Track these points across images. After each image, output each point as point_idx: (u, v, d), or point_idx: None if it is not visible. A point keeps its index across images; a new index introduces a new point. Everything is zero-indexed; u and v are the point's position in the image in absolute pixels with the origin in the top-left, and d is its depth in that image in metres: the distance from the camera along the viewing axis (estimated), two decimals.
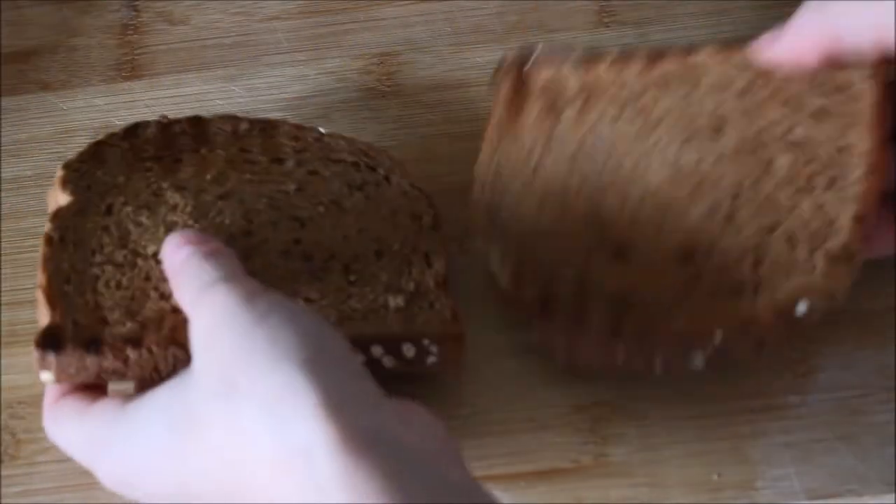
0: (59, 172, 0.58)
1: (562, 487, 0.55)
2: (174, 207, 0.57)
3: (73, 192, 0.57)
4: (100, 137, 0.61)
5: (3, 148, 0.66)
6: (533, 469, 0.55)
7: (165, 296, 0.53)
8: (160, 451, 0.49)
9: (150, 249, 0.55)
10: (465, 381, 0.57)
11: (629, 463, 0.55)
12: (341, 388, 0.46)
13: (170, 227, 0.56)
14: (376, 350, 0.54)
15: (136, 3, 0.71)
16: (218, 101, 0.67)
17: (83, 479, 0.54)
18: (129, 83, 0.68)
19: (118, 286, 0.54)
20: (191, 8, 0.71)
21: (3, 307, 0.61)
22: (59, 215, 0.57)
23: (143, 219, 0.57)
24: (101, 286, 0.54)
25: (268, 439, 0.45)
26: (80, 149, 0.63)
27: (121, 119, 0.66)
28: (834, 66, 0.56)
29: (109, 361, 0.52)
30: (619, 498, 0.55)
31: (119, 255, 0.56)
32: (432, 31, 0.69)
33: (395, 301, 0.56)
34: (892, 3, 0.53)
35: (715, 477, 0.55)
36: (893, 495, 0.53)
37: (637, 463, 0.55)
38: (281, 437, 0.45)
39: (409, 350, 0.54)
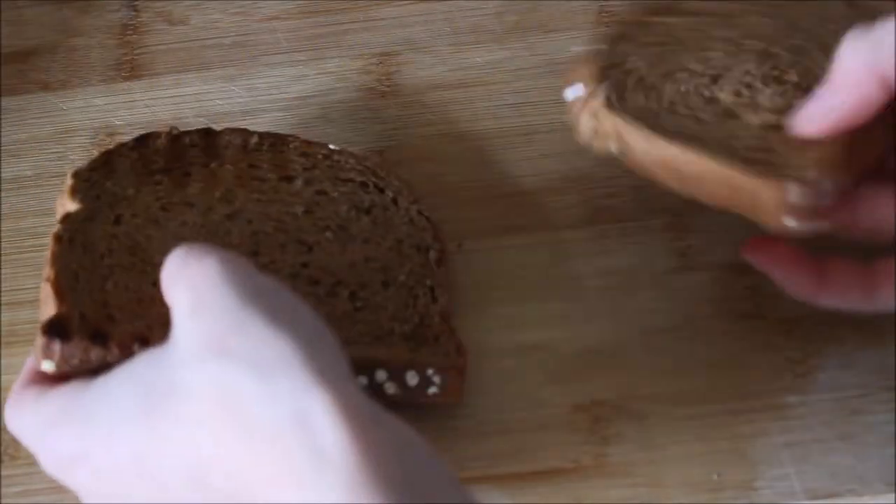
0: (69, 181, 0.58)
1: (562, 487, 0.55)
2: (183, 224, 0.58)
3: (81, 201, 0.57)
4: (110, 146, 0.60)
5: (3, 148, 0.66)
6: (533, 469, 0.55)
7: None
8: (125, 421, 0.47)
9: (158, 259, 0.55)
10: (465, 381, 0.57)
11: (629, 463, 0.55)
12: (338, 373, 0.45)
13: (178, 240, 0.56)
14: (380, 375, 0.54)
15: (136, 3, 0.71)
16: (218, 101, 0.67)
17: None
18: (128, 83, 0.68)
19: (126, 288, 0.55)
20: (190, 8, 0.71)
21: (3, 307, 0.61)
22: (68, 219, 0.57)
23: (152, 232, 0.57)
24: (109, 286, 0.54)
25: (259, 404, 0.44)
26: (80, 148, 0.64)
27: (120, 119, 0.67)
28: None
29: (114, 355, 0.52)
30: (619, 498, 0.55)
31: (127, 261, 0.56)
32: (431, 30, 0.69)
33: (401, 328, 0.56)
34: None
35: (715, 477, 0.55)
36: (893, 495, 0.53)
37: (637, 463, 0.55)
38: (274, 403, 0.43)
39: (412, 378, 0.54)
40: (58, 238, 0.55)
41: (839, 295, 0.55)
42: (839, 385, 0.56)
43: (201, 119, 0.66)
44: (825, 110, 0.52)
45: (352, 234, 0.59)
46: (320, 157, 0.61)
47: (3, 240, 0.63)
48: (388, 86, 0.67)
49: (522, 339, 0.58)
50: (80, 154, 0.65)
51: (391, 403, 0.53)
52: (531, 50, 0.68)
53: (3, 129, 0.67)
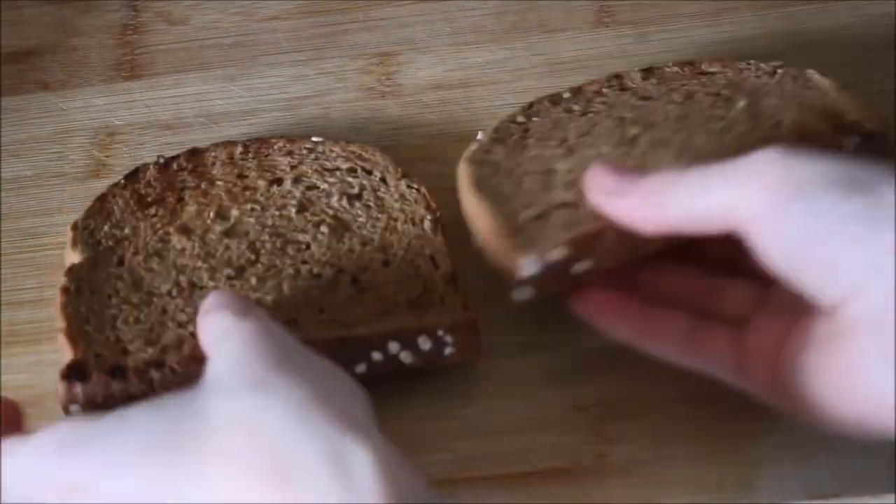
0: (69, 234, 0.59)
1: (562, 487, 0.55)
2: (182, 251, 0.59)
3: (83, 251, 0.59)
4: (102, 190, 0.61)
5: (3, 148, 0.66)
6: (533, 469, 0.55)
7: (183, 324, 0.55)
8: (142, 453, 0.46)
9: (164, 289, 0.57)
10: (465, 382, 0.57)
11: (629, 463, 0.55)
12: (372, 428, 0.46)
13: (180, 270, 0.58)
14: (393, 346, 0.55)
15: (136, 3, 0.71)
16: (218, 101, 0.67)
17: None
18: (128, 83, 0.68)
19: (136, 321, 0.56)
20: (190, 8, 0.71)
21: (3, 307, 0.61)
22: (73, 270, 0.58)
23: (154, 265, 0.58)
24: (119, 323, 0.56)
25: (292, 439, 0.44)
26: (80, 148, 0.64)
27: (120, 119, 0.67)
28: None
29: (135, 386, 0.53)
30: (619, 498, 0.55)
31: (134, 297, 0.57)
32: (431, 30, 0.69)
33: (406, 298, 0.57)
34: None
35: (715, 477, 0.55)
36: (893, 495, 0.53)
37: (637, 463, 0.55)
38: (308, 439, 0.44)
39: (425, 343, 0.55)
40: (65, 290, 0.57)
41: (661, 349, 0.54)
42: None
43: (201, 119, 0.66)
44: (615, 197, 0.52)
45: (346, 224, 0.59)
46: (305, 151, 0.62)
47: (3, 240, 0.63)
48: (388, 86, 0.67)
49: (522, 339, 0.58)
50: (80, 154, 0.65)
51: (411, 373, 0.55)
52: (531, 50, 0.68)
53: (3, 129, 0.67)
